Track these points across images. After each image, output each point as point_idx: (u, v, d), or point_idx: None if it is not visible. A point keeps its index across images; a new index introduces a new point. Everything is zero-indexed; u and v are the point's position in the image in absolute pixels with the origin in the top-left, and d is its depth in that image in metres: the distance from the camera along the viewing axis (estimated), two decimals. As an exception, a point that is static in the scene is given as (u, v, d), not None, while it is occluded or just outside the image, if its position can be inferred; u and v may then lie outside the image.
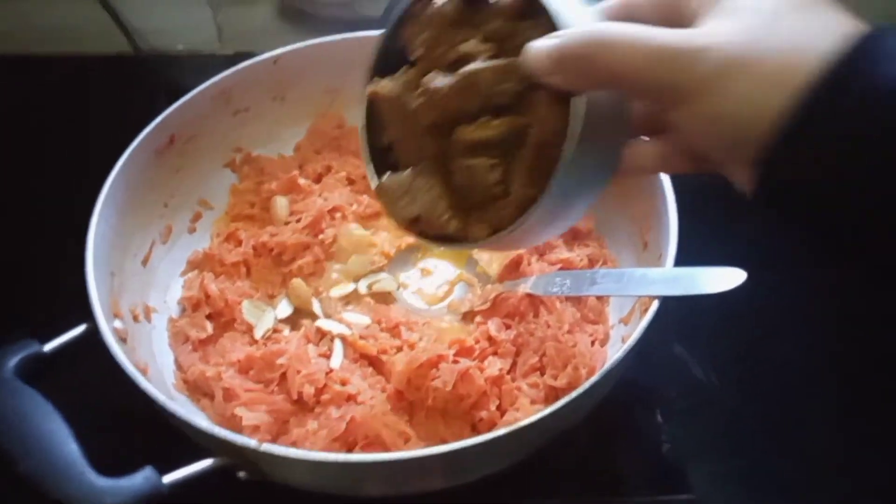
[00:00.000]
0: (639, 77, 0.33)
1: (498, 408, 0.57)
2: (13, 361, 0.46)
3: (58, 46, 0.95)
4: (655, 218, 0.60)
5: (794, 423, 0.63)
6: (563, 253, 0.65)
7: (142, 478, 0.42)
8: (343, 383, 0.57)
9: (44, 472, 0.40)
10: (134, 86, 0.93)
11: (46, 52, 0.95)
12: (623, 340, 0.59)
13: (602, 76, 0.34)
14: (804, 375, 0.66)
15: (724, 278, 0.49)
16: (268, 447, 0.44)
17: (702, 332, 0.67)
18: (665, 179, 0.59)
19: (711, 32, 0.32)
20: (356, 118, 0.76)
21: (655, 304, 0.51)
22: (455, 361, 0.58)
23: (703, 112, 0.32)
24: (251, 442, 0.44)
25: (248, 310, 0.63)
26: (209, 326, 0.62)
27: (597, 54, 0.33)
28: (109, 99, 0.90)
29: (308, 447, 0.53)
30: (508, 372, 0.59)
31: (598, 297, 0.63)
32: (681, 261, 0.55)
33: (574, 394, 0.46)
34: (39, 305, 0.67)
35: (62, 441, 0.42)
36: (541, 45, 0.35)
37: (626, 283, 0.55)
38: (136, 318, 0.59)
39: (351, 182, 0.73)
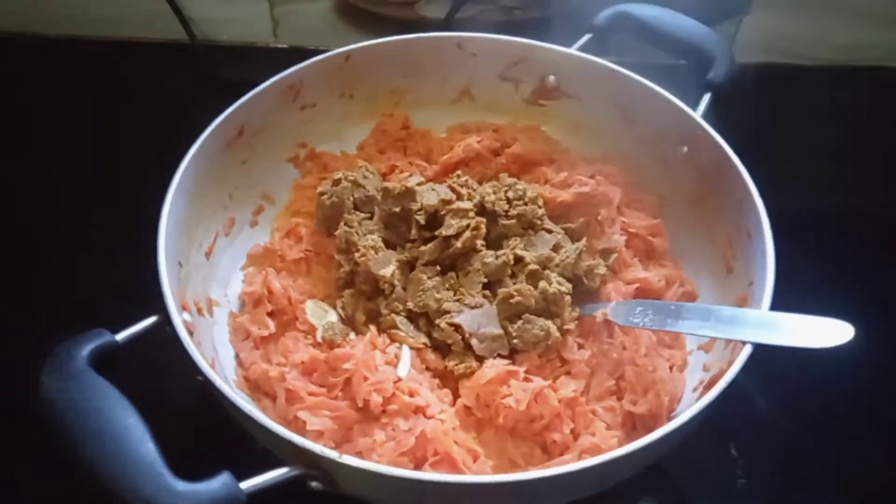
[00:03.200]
0: None
1: (571, 431, 0.54)
2: (86, 350, 0.44)
3: (113, 30, 0.94)
4: (744, 243, 0.58)
5: (864, 466, 0.61)
6: (639, 272, 0.63)
7: (220, 483, 0.40)
8: (411, 394, 0.54)
9: (121, 473, 0.38)
10: (187, 74, 0.92)
11: (102, 36, 0.94)
12: (705, 369, 0.57)
13: None
14: (877, 418, 0.63)
15: (828, 333, 0.45)
16: (349, 459, 0.42)
17: (767, 361, 0.64)
18: (758, 201, 0.57)
19: None
20: (423, 120, 0.77)
21: (749, 348, 0.48)
22: (527, 379, 0.56)
23: None
24: (332, 453, 0.42)
25: (311, 310, 0.61)
26: (271, 324, 0.60)
27: None
28: (163, 86, 0.89)
29: (375, 459, 0.51)
30: (582, 394, 0.56)
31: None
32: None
33: (670, 427, 0.44)
34: (105, 295, 0.65)
35: (139, 439, 0.39)
36: None
37: (715, 322, 0.51)
38: (199, 312, 0.58)
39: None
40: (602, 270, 0.62)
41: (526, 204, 0.62)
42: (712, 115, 0.65)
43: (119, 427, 0.40)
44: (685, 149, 0.66)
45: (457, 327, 0.58)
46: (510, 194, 0.62)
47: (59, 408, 0.41)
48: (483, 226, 0.60)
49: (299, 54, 0.70)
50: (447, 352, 0.58)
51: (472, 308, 0.58)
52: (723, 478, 0.59)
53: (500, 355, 0.58)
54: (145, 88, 0.88)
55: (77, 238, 0.73)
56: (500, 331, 0.57)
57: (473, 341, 0.57)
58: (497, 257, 0.60)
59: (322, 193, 0.66)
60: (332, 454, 0.42)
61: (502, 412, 0.54)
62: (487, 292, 0.60)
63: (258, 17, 0.95)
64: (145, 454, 0.39)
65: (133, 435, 0.40)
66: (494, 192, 0.62)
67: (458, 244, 0.59)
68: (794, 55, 0.92)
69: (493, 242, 0.62)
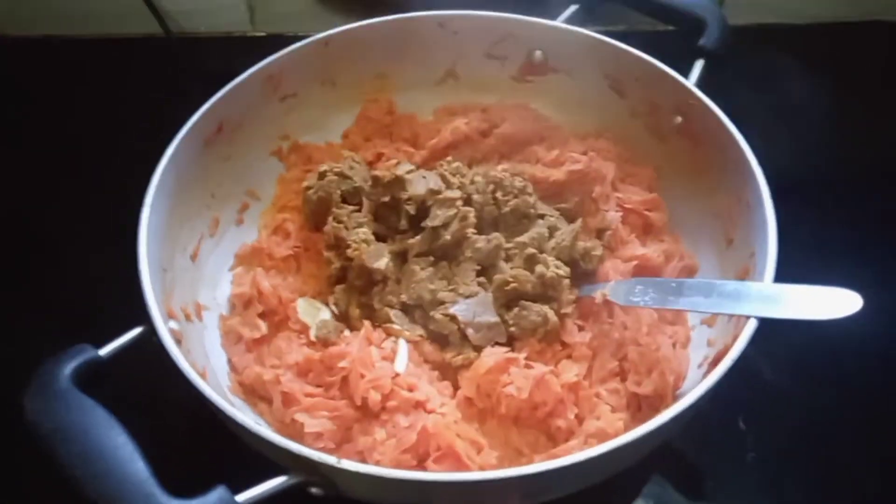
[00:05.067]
0: None
1: (575, 416, 0.53)
2: (69, 369, 0.42)
3: (86, 28, 0.91)
4: (744, 213, 0.56)
5: (877, 429, 0.59)
6: (637, 249, 0.61)
7: (215, 498, 0.38)
8: (410, 389, 0.53)
9: (111, 495, 0.37)
10: (165, 68, 0.90)
11: (75, 34, 0.91)
12: (709, 344, 0.56)
13: None
14: (889, 385, 0.62)
15: (835, 303, 0.43)
16: (349, 464, 0.41)
17: (773, 331, 0.62)
18: (756, 169, 0.55)
19: None
20: (408, 104, 0.74)
21: (753, 323, 0.47)
22: (527, 366, 0.54)
23: None
24: (330, 459, 0.41)
25: (303, 308, 0.59)
26: (262, 326, 0.59)
27: None
28: (140, 82, 0.86)
29: (377, 457, 0.50)
30: (584, 377, 0.55)
31: (677, 297, 0.60)
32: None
33: (677, 409, 0.43)
34: (86, 308, 0.63)
35: (129, 459, 0.38)
36: None
37: (718, 298, 0.49)
38: (188, 318, 0.56)
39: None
40: (599, 252, 0.60)
41: (516, 196, 0.60)
42: (706, 82, 0.63)
43: (107, 447, 0.39)
44: (679, 119, 0.64)
45: (452, 318, 0.56)
46: (499, 194, 0.60)
47: (43, 431, 0.39)
48: (471, 215, 0.59)
49: (278, 41, 0.68)
50: (445, 343, 0.57)
51: (467, 297, 0.57)
52: (732, 452, 0.58)
53: (498, 343, 0.56)
54: (121, 87, 0.86)
55: (53, 248, 0.71)
56: (496, 318, 0.56)
57: (469, 331, 0.56)
58: (489, 241, 0.58)
59: (308, 188, 0.64)
60: (331, 460, 0.41)
61: (504, 401, 0.53)
62: (482, 279, 0.59)
63: (234, 6, 0.93)
64: (135, 473, 0.38)
65: (122, 454, 0.38)
66: (481, 193, 0.60)
67: (448, 236, 0.58)
68: (784, 13, 0.89)
69: (486, 229, 0.60)
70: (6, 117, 0.84)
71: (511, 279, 0.56)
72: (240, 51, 0.92)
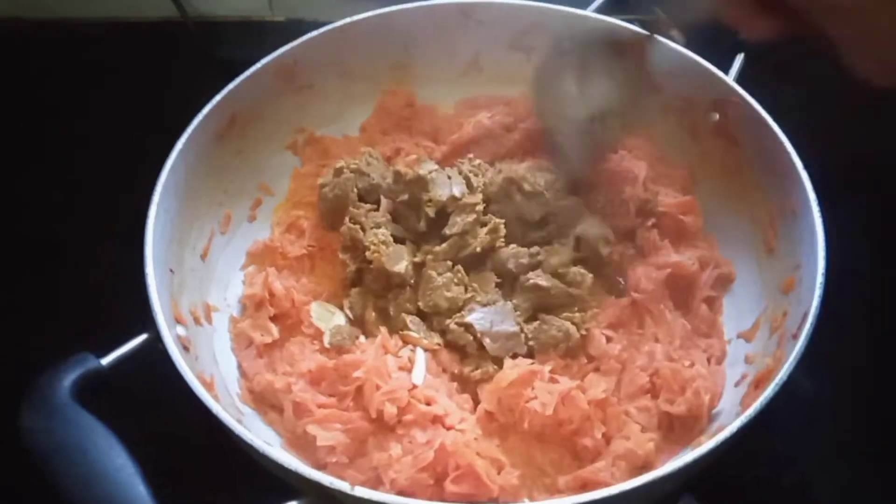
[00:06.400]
0: None
1: (603, 435, 0.50)
2: (70, 380, 0.40)
3: (100, 10, 0.88)
4: (787, 221, 0.53)
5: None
6: (671, 255, 0.58)
7: (221, 526, 0.36)
8: (428, 402, 0.50)
9: (110, 520, 0.35)
10: (181, 53, 0.86)
11: (89, 17, 0.88)
12: (748, 360, 0.52)
13: None
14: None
15: None
16: (362, 491, 0.38)
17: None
18: (803, 174, 0.51)
19: None
20: (428, 96, 0.71)
21: (801, 344, 0.43)
22: (552, 380, 0.51)
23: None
24: (343, 485, 0.38)
25: (316, 312, 0.57)
26: (274, 330, 0.56)
27: None
28: (155, 68, 0.83)
29: (392, 475, 0.47)
30: (612, 393, 0.52)
31: (710, 308, 0.56)
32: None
33: (722, 436, 0.40)
34: (88, 312, 0.60)
35: (129, 482, 0.36)
36: None
37: None
38: (196, 321, 0.53)
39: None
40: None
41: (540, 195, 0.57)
42: (746, 78, 0.59)
43: (107, 469, 0.36)
44: (717, 116, 0.60)
45: (468, 326, 0.53)
46: (518, 198, 0.57)
47: (41, 450, 0.37)
48: (501, 227, 0.56)
49: (297, 27, 0.65)
50: (463, 353, 0.54)
51: (485, 305, 0.54)
52: (766, 476, 0.55)
53: (519, 354, 0.53)
54: (135, 73, 0.83)
55: (55, 247, 0.68)
56: (515, 328, 0.53)
57: (486, 341, 0.53)
58: (516, 258, 0.56)
59: (323, 185, 0.61)
60: (344, 486, 0.38)
61: (527, 417, 0.50)
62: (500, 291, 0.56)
63: (252, -11, 0.89)
64: (136, 498, 0.35)
65: (122, 477, 0.36)
66: (499, 194, 0.58)
67: (478, 248, 0.55)
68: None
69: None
70: (11, 106, 0.81)
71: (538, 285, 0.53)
72: (258, 37, 0.89)
